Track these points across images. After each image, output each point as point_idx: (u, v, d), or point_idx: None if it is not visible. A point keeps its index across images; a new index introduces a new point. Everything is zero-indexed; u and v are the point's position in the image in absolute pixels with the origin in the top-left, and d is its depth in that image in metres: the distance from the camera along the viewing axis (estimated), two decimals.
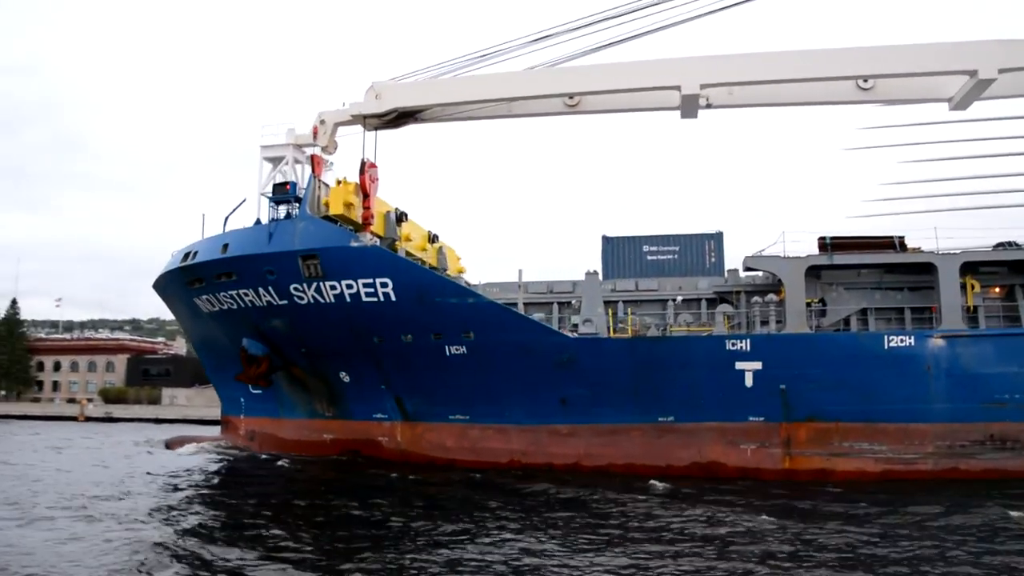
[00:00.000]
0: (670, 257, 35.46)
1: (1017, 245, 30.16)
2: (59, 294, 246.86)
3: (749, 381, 29.16)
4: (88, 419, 79.94)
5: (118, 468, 32.42)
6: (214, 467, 33.19)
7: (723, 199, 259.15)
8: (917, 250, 30.26)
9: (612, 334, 31.41)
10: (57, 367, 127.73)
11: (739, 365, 29.23)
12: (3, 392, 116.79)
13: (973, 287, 29.96)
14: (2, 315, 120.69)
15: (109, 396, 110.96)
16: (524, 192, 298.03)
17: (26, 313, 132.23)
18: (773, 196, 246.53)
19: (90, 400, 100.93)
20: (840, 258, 30.04)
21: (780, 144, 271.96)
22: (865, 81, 32.57)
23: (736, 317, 31.56)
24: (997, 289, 30.77)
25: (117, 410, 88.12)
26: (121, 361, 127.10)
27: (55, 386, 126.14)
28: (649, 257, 35.62)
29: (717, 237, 35.29)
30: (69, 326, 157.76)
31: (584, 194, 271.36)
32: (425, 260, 39.95)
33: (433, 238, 41.27)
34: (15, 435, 54.02)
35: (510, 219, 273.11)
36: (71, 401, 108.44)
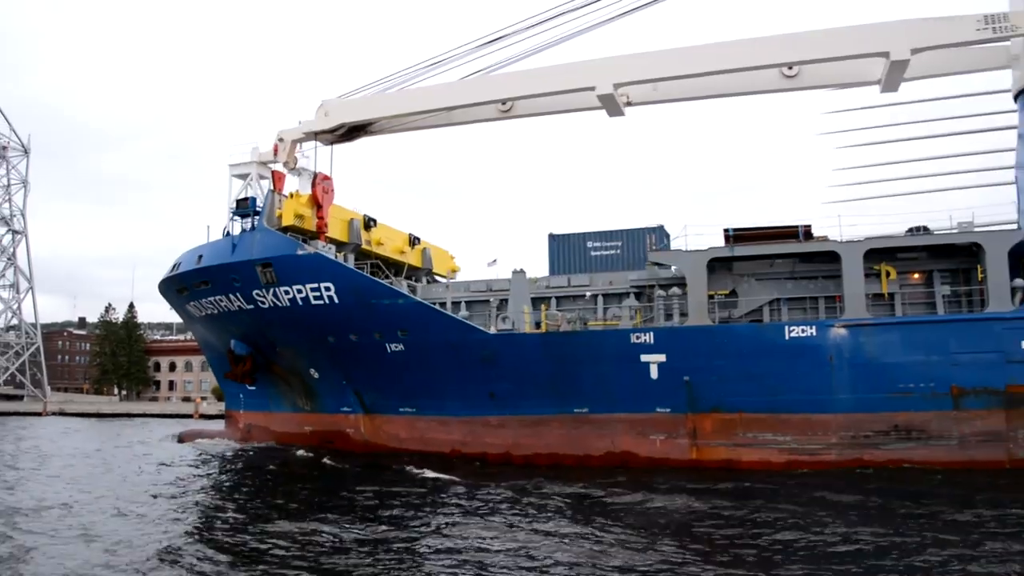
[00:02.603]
0: (614, 252, 36.04)
1: (927, 230, 29.01)
2: None
3: (654, 373, 29.59)
4: (202, 416, 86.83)
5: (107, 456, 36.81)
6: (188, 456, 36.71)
7: (684, 193, 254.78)
8: (823, 239, 29.62)
9: (529, 330, 32.52)
10: (172, 367, 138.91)
11: (644, 358, 29.68)
12: (124, 392, 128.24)
13: (888, 274, 29.07)
14: (121, 319, 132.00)
15: (220, 394, 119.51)
16: (479, 194, 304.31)
17: (142, 316, 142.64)
18: (733, 188, 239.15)
19: (204, 399, 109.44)
20: (741, 249, 29.79)
21: (743, 135, 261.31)
22: (790, 68, 32.21)
23: (650, 310, 31.93)
24: (916, 275, 29.68)
25: None
26: None
27: (171, 385, 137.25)
28: (593, 253, 36.36)
29: (658, 230, 35.55)
30: (182, 328, 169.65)
31: (535, 195, 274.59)
32: (405, 262, 42.47)
33: (414, 240, 43.60)
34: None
35: (467, 220, 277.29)
36: (186, 399, 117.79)
